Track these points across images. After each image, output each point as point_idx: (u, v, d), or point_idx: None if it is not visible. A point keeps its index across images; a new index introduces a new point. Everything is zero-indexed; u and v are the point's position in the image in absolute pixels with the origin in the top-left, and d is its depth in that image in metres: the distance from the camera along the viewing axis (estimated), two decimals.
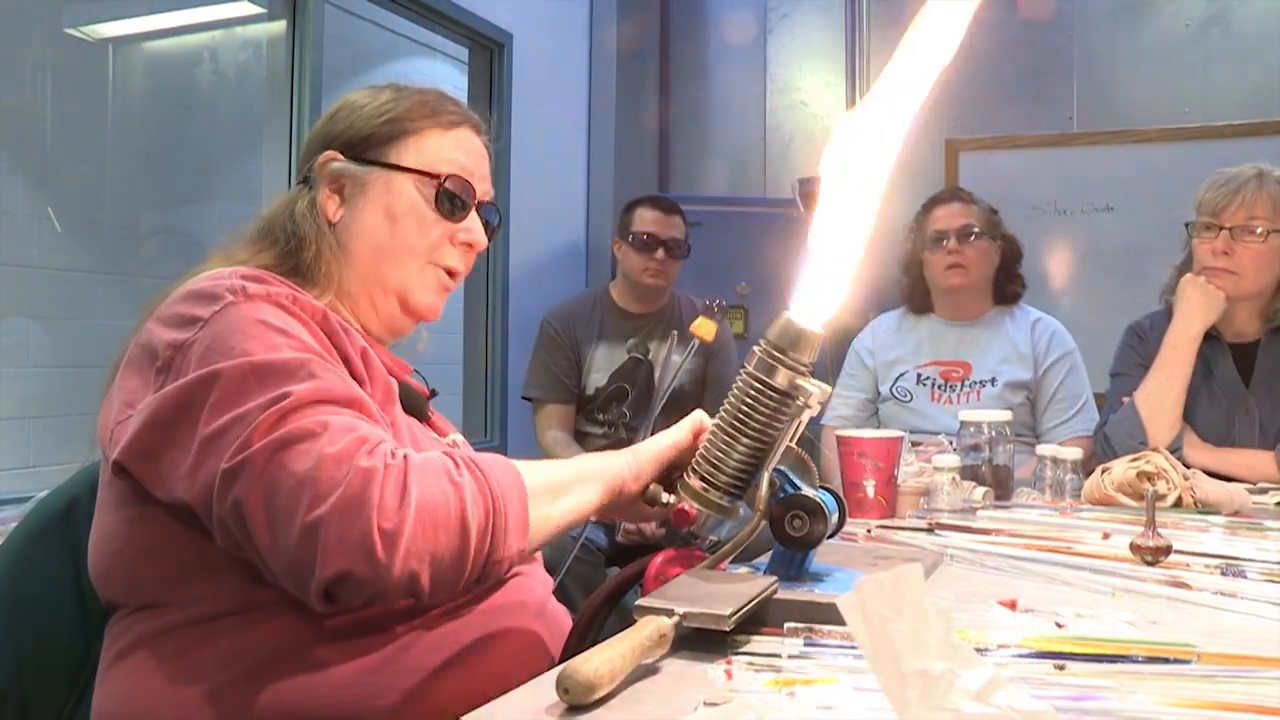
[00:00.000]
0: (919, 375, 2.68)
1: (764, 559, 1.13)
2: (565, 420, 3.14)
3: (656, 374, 3.08)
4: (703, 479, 1.07)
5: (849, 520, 1.39)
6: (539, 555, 1.25)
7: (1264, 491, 1.89)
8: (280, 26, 3.20)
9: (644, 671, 0.85)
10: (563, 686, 0.77)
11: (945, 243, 2.64)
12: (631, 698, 0.81)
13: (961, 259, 2.64)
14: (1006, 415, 1.85)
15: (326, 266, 1.17)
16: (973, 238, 2.64)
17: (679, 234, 3.12)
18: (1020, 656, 0.89)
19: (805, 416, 1.05)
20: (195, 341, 0.97)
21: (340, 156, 1.21)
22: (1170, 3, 4.09)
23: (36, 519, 1.19)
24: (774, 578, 1.01)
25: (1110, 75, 4.15)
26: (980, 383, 2.63)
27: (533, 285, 4.11)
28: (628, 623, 0.87)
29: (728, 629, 0.89)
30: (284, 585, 0.91)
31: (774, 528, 1.06)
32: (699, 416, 1.16)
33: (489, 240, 1.29)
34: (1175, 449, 2.02)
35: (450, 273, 1.25)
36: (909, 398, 2.67)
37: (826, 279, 1.02)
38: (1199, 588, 1.18)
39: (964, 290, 2.68)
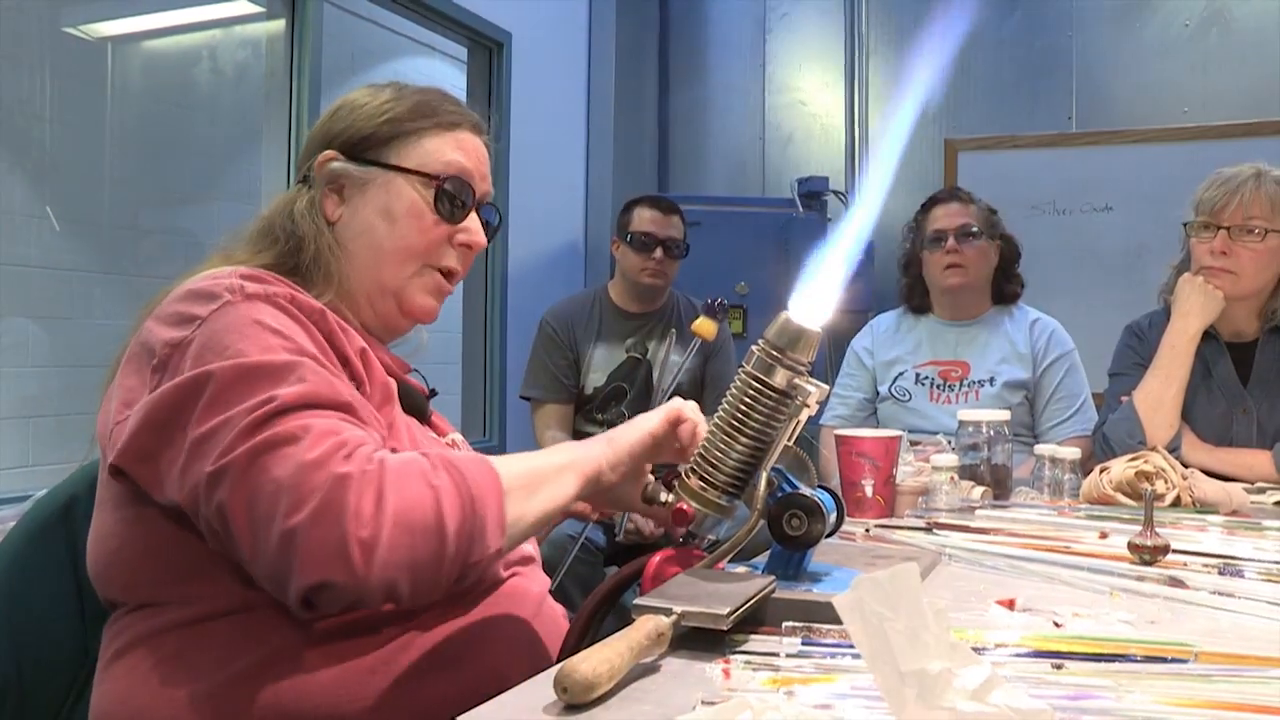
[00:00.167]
0: (917, 375, 2.68)
1: (762, 558, 1.13)
2: (564, 420, 3.14)
3: (655, 374, 3.08)
4: (701, 478, 1.07)
5: (847, 520, 1.39)
6: (537, 555, 1.25)
7: (1262, 491, 1.89)
8: (279, 25, 3.20)
9: (642, 670, 0.85)
10: (561, 685, 0.77)
11: (944, 242, 2.64)
12: (630, 696, 0.81)
13: (960, 259, 2.64)
14: (1005, 415, 1.85)
15: (326, 266, 1.16)
16: (971, 237, 2.64)
17: (677, 233, 3.12)
18: (1018, 656, 0.89)
19: (803, 416, 1.05)
20: (192, 340, 0.97)
21: (340, 156, 1.21)
22: (1169, 2, 4.09)
23: (35, 518, 1.19)
24: (772, 577, 1.01)
25: (1109, 75, 4.16)
26: (979, 382, 2.63)
27: (531, 285, 4.11)
28: (626, 622, 0.88)
29: (726, 628, 0.89)
30: (267, 589, 0.91)
31: (772, 527, 1.06)
32: (676, 405, 1.15)
33: (489, 241, 1.29)
34: (1173, 448, 2.02)
35: (448, 274, 1.24)
36: (907, 397, 2.67)
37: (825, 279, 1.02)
38: (1197, 587, 1.18)
39: (963, 290, 2.68)
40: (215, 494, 0.89)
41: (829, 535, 1.12)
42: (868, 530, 1.54)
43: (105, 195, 3.27)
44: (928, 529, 1.52)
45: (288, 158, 3.15)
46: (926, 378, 2.67)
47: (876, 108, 4.52)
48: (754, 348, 1.05)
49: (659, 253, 3.07)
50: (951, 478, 1.69)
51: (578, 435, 3.13)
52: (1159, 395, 2.09)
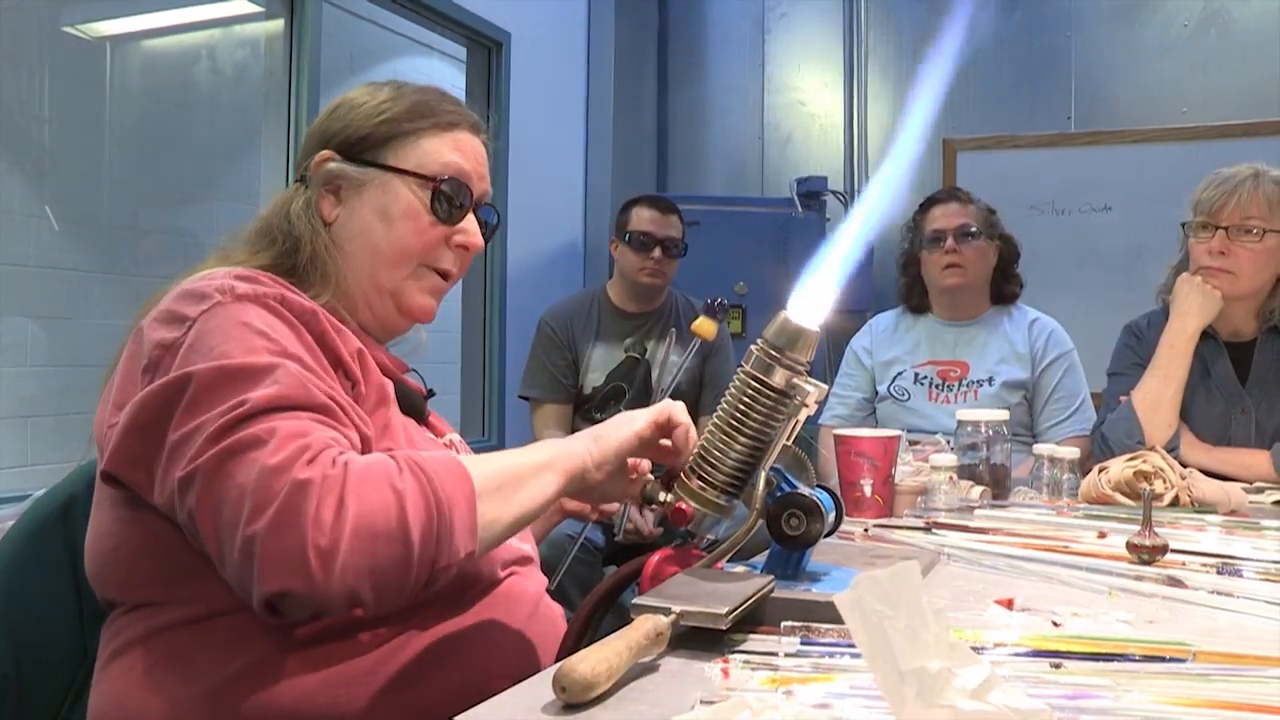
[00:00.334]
0: (916, 374, 2.69)
1: (761, 558, 1.13)
2: (562, 420, 3.14)
3: (654, 373, 3.08)
4: (700, 478, 1.07)
5: (846, 519, 1.39)
6: (535, 555, 1.25)
7: (1260, 491, 1.89)
8: (278, 25, 3.20)
9: (641, 670, 0.85)
10: (560, 684, 0.77)
11: (943, 242, 2.64)
12: (628, 696, 0.81)
13: (959, 259, 2.64)
14: (1004, 415, 1.86)
15: (322, 267, 1.16)
16: (970, 237, 2.64)
17: (676, 233, 3.12)
18: (1017, 655, 0.89)
19: (802, 415, 1.05)
20: (182, 343, 0.97)
21: (336, 157, 1.20)
22: (1168, 3, 4.10)
23: (34, 517, 1.19)
24: (771, 576, 1.01)
25: (1108, 75, 4.16)
26: (977, 382, 2.63)
27: (530, 285, 4.11)
28: (625, 621, 0.88)
29: (724, 627, 0.89)
30: (238, 594, 0.90)
31: (771, 526, 1.06)
32: (665, 408, 1.13)
33: (487, 241, 1.28)
34: (1172, 448, 2.02)
35: (444, 274, 1.24)
36: (906, 397, 2.67)
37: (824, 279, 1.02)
38: (1195, 587, 1.18)
39: (962, 290, 2.68)
40: (186, 499, 0.89)
41: (828, 535, 1.12)
42: (866, 530, 1.54)
43: (104, 195, 3.27)
44: (926, 529, 1.52)
45: (287, 157, 3.15)
46: (925, 377, 2.68)
47: (875, 108, 4.52)
48: (753, 347, 1.05)
49: (657, 252, 3.07)
50: (950, 477, 1.69)
51: (576, 432, 3.12)
52: (1157, 395, 2.09)
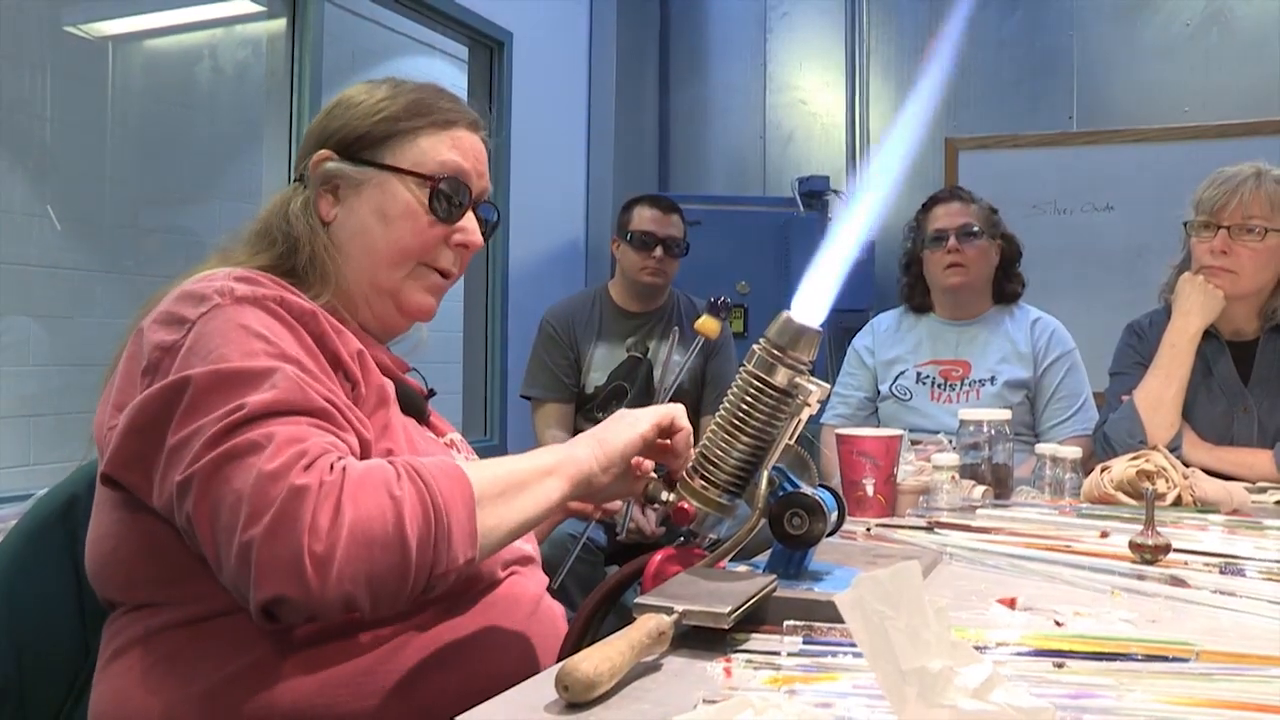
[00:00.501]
0: (918, 374, 2.68)
1: (763, 557, 1.13)
2: (564, 419, 3.14)
3: (656, 373, 3.08)
4: (702, 477, 1.07)
5: (848, 519, 1.39)
6: (537, 555, 1.25)
7: (1263, 490, 1.89)
8: (280, 24, 3.20)
9: (643, 669, 0.85)
10: (562, 683, 0.77)
11: (945, 242, 2.64)
12: (631, 695, 0.81)
13: (961, 258, 2.64)
14: (1006, 414, 1.85)
15: (321, 267, 1.15)
16: (972, 237, 2.64)
17: (677, 232, 3.12)
18: (1019, 654, 0.89)
19: (805, 415, 1.04)
20: (181, 344, 0.97)
21: (334, 156, 1.19)
22: (1169, 2, 4.10)
23: (36, 517, 1.19)
24: (773, 576, 1.01)
25: (1110, 74, 4.16)
26: (979, 381, 2.63)
27: (532, 284, 4.11)
28: (627, 621, 0.88)
29: (727, 627, 0.89)
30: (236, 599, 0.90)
31: (773, 526, 1.06)
32: (668, 411, 1.12)
33: (487, 239, 1.28)
34: (1174, 448, 2.01)
35: (444, 273, 1.23)
36: (908, 396, 2.67)
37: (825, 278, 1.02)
38: (1198, 586, 1.18)
39: (963, 289, 2.68)
40: (184, 504, 0.89)
41: (830, 534, 1.12)
42: (869, 529, 1.53)
43: (106, 194, 3.27)
44: (929, 528, 1.52)
45: (288, 157, 3.15)
46: (927, 377, 2.67)
47: (877, 107, 4.52)
48: (755, 346, 1.05)
49: (659, 251, 3.07)
50: (952, 477, 1.69)
51: (578, 435, 3.12)
52: (1159, 394, 2.09)
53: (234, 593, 0.88)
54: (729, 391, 1.06)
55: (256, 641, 0.96)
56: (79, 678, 1.16)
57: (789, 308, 1.04)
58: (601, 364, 3.14)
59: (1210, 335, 2.15)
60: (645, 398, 3.04)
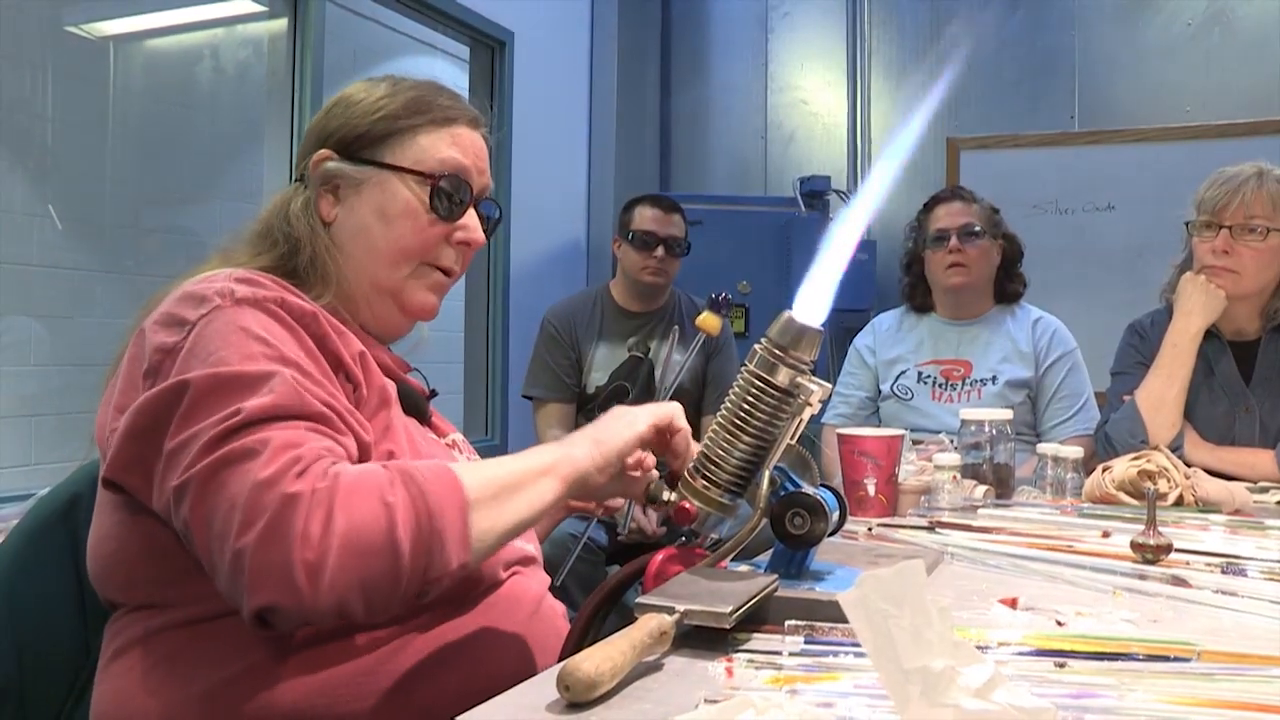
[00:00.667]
0: (920, 373, 2.68)
1: (764, 557, 1.13)
2: (565, 419, 3.14)
3: (657, 373, 3.08)
4: (704, 477, 1.07)
5: (850, 518, 1.39)
6: (538, 555, 1.25)
7: (1265, 490, 1.89)
8: (281, 24, 3.20)
9: (645, 669, 0.85)
10: (564, 683, 0.77)
11: (946, 242, 2.64)
12: (632, 695, 0.81)
13: (963, 258, 2.64)
14: (1007, 414, 1.85)
15: (323, 268, 1.15)
16: (974, 237, 2.64)
17: (678, 232, 3.12)
18: (1021, 654, 0.89)
19: (806, 414, 1.04)
20: (181, 346, 0.97)
21: (334, 155, 1.19)
22: (1171, 2, 4.10)
23: (37, 517, 1.19)
24: (775, 576, 1.01)
25: (1111, 74, 4.16)
26: (981, 381, 2.63)
27: (533, 284, 4.11)
28: (628, 620, 0.88)
29: (728, 626, 0.89)
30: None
31: (775, 526, 1.06)
32: (666, 411, 1.11)
33: (489, 236, 1.27)
34: (1176, 448, 2.01)
35: (446, 272, 1.23)
36: (910, 396, 2.67)
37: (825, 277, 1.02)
38: (1199, 586, 1.18)
39: (965, 289, 2.68)
40: (181, 508, 0.89)
41: (831, 534, 1.12)
42: (870, 529, 1.53)
43: (107, 194, 3.27)
44: (930, 528, 1.52)
45: (290, 157, 3.15)
46: (928, 376, 2.67)
47: (879, 107, 4.52)
48: (756, 346, 1.04)
49: (660, 251, 3.07)
50: (954, 477, 1.69)
51: (575, 431, 3.12)
52: (1161, 394, 2.09)
53: (228, 599, 0.88)
54: (730, 391, 1.06)
55: (257, 642, 0.95)
56: (80, 678, 1.16)
57: (790, 307, 1.04)
58: (603, 364, 3.14)
59: (1212, 335, 2.15)
60: (647, 397, 3.03)
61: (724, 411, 1.06)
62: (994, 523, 1.55)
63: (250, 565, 0.83)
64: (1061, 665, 0.86)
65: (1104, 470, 1.76)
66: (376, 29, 4.26)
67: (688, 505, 1.07)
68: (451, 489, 0.91)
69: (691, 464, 1.09)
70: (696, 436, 1.12)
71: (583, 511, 1.34)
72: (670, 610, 0.88)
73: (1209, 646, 0.90)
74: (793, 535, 1.05)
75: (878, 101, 4.52)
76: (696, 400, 3.12)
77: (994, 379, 2.62)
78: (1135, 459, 1.76)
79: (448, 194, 1.19)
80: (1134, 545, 1.31)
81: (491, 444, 3.93)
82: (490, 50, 4.00)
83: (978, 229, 2.64)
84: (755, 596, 0.94)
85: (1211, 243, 2.10)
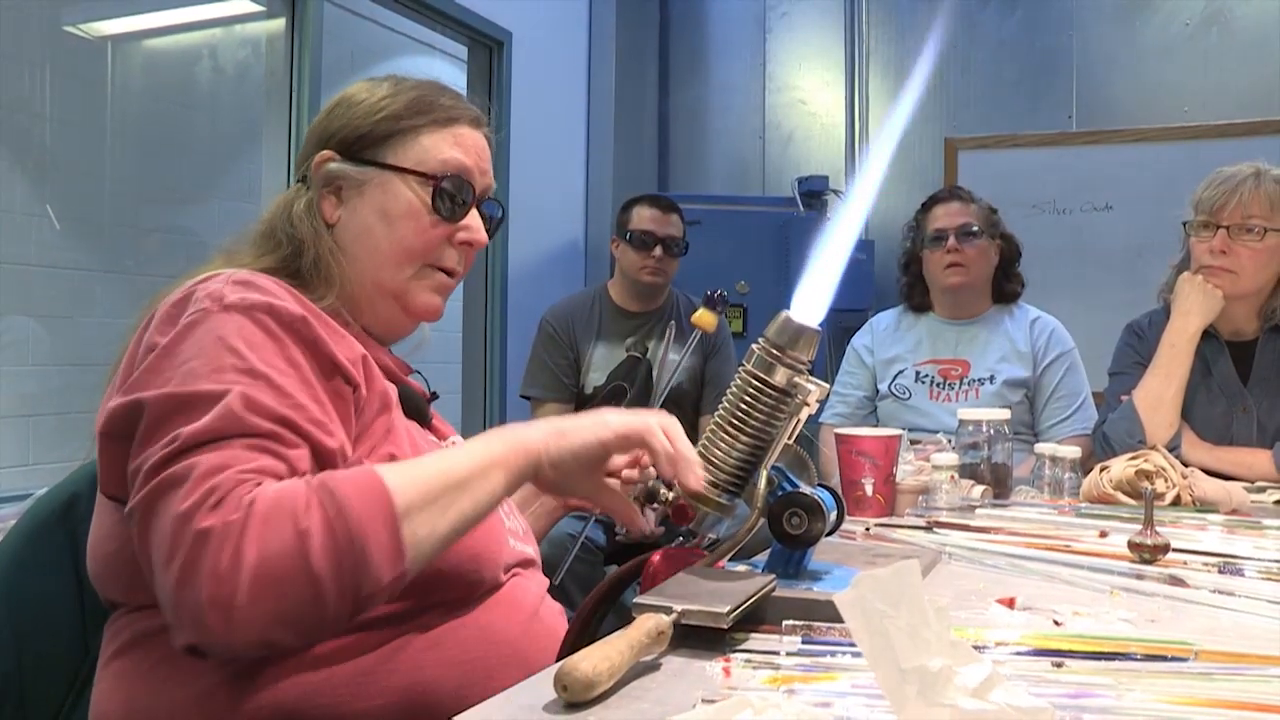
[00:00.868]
0: (917, 373, 2.68)
1: (762, 557, 1.13)
2: None
3: (655, 373, 3.08)
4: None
5: (847, 518, 1.39)
6: (537, 557, 1.24)
7: (1262, 490, 1.89)
8: (279, 24, 3.20)
9: (642, 669, 0.85)
10: (561, 683, 0.77)
11: (945, 241, 2.64)
12: (629, 695, 0.81)
13: (961, 258, 2.64)
14: (1005, 413, 1.85)
15: (326, 270, 1.14)
16: (972, 237, 2.64)
17: (676, 232, 3.12)
18: (1018, 654, 0.89)
19: (804, 414, 1.05)
20: (160, 348, 0.97)
21: (336, 156, 1.19)
22: (1169, 2, 4.10)
23: (36, 517, 1.19)
24: (772, 575, 1.01)
25: (1109, 74, 4.16)
26: (979, 380, 2.63)
27: (531, 284, 4.11)
28: (626, 620, 0.88)
29: (726, 626, 0.89)
30: None
31: (772, 525, 1.06)
32: (640, 427, 1.05)
33: (491, 236, 1.27)
34: (1173, 447, 2.01)
35: (449, 272, 1.23)
36: (907, 395, 2.67)
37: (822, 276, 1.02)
38: (1197, 586, 1.19)
39: (963, 289, 2.68)
40: (134, 532, 0.90)
41: (829, 534, 1.12)
42: (868, 529, 1.54)
43: (105, 194, 3.27)
44: (928, 528, 1.52)
45: (288, 157, 3.15)
46: (926, 376, 2.67)
47: (877, 107, 4.52)
48: (754, 346, 1.05)
49: (658, 251, 3.08)
50: (952, 476, 1.69)
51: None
52: (1159, 394, 2.09)
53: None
54: (728, 391, 1.06)
55: None
56: (79, 677, 1.16)
57: (788, 307, 1.04)
58: (601, 364, 3.14)
59: (1209, 335, 2.15)
60: (645, 398, 3.04)
61: (721, 411, 1.06)
62: (992, 522, 1.55)
63: (173, 603, 0.84)
64: (1059, 665, 0.86)
65: (1102, 470, 1.76)
66: (374, 29, 4.26)
67: (685, 505, 1.07)
68: (375, 502, 0.89)
69: None
70: (694, 437, 1.12)
71: (581, 511, 1.34)
72: (668, 610, 0.88)
73: (1206, 646, 0.90)
74: (790, 535, 1.05)
75: (876, 101, 4.52)
76: (694, 400, 3.12)
77: (992, 378, 2.62)
78: (1133, 459, 1.77)
79: (450, 194, 1.19)
80: (1131, 545, 1.31)
81: None
82: (488, 50, 4.00)
83: (976, 229, 2.65)
84: (753, 596, 0.94)
85: (1209, 243, 2.10)
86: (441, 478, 0.94)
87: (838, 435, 1.72)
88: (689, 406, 3.10)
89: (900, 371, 2.70)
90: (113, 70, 3.30)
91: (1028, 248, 2.80)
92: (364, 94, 1.21)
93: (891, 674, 0.66)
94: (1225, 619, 1.07)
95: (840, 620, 0.69)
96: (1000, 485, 1.80)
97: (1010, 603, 1.10)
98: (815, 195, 4.24)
